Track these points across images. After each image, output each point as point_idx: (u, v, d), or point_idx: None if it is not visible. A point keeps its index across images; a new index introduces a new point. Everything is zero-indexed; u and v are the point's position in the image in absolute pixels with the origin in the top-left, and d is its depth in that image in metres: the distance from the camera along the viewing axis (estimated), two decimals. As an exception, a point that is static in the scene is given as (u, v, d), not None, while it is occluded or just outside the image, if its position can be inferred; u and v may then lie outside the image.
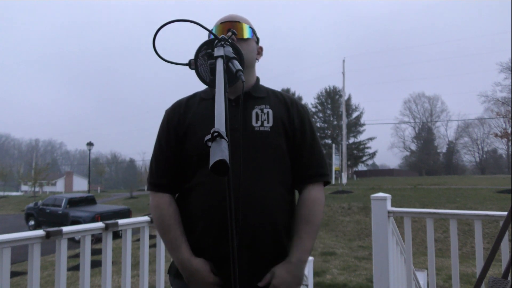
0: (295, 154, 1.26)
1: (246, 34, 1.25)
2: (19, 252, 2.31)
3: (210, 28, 1.28)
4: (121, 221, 2.25)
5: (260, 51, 1.35)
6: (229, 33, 1.18)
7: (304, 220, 1.21)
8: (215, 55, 0.94)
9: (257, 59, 1.34)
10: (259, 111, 1.24)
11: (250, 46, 1.27)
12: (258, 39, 1.35)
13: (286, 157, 1.24)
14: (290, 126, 1.26)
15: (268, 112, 1.24)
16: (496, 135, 20.44)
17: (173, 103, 1.34)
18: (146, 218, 2.45)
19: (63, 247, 1.88)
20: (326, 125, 46.16)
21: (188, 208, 1.20)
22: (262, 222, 1.14)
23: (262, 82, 1.37)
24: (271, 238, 1.16)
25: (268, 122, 1.22)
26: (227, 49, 0.96)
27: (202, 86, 1.33)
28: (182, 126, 1.24)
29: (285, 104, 1.30)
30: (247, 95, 1.25)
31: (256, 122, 1.22)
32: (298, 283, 1.17)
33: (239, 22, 1.25)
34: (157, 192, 1.24)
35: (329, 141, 43.72)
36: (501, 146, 49.49)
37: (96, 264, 2.52)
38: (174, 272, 1.24)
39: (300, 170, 1.26)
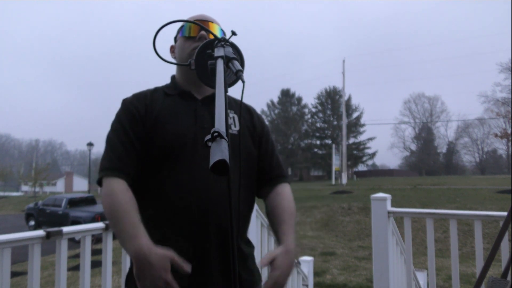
0: (260, 157, 1.29)
1: (218, 35, 1.23)
2: (19, 252, 2.31)
3: (180, 25, 1.26)
4: (121, 221, 2.24)
5: None
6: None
7: (288, 212, 1.20)
8: (215, 55, 0.94)
9: None
10: None
11: None
12: None
13: (254, 160, 1.25)
14: (254, 132, 1.28)
15: (234, 117, 1.24)
16: (496, 135, 20.44)
17: (132, 94, 1.24)
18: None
19: (63, 247, 1.88)
20: (326, 125, 46.18)
21: (152, 206, 1.10)
22: (236, 224, 1.13)
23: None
24: (241, 241, 1.18)
25: (235, 126, 1.22)
26: (227, 50, 0.96)
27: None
28: (150, 117, 1.16)
29: (248, 110, 1.34)
30: (212, 97, 1.17)
31: None
32: (292, 272, 1.14)
33: (212, 22, 1.24)
34: (112, 177, 1.07)
35: (329, 141, 43.76)
36: (501, 147, 49.52)
37: (96, 264, 2.51)
38: (134, 285, 1.03)
39: (268, 172, 1.29)
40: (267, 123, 1.39)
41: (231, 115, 1.24)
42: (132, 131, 1.14)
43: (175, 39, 1.29)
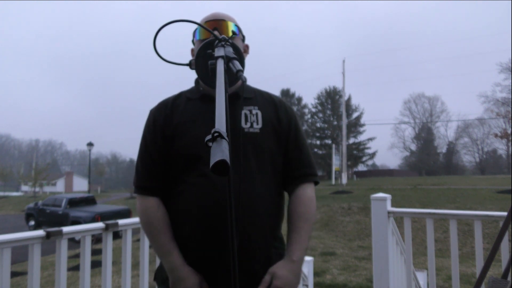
0: (285, 154, 1.26)
1: (231, 32, 1.24)
2: (20, 252, 2.31)
3: (195, 28, 1.27)
4: (121, 221, 2.25)
5: (246, 49, 1.33)
6: (218, 32, 1.17)
7: (303, 218, 1.21)
8: (215, 55, 0.94)
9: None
10: (247, 112, 1.22)
11: (236, 44, 1.27)
12: (244, 37, 1.33)
13: (277, 158, 1.23)
14: (279, 127, 1.25)
15: (257, 113, 1.23)
16: (496, 135, 20.42)
17: (158, 103, 1.29)
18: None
19: (63, 247, 1.88)
20: (326, 125, 46.15)
21: (177, 211, 1.17)
22: (253, 225, 1.13)
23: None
24: (261, 241, 1.15)
25: (257, 124, 1.21)
26: (227, 50, 0.96)
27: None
28: (169, 126, 1.21)
29: (274, 105, 1.29)
30: (234, 96, 1.21)
31: (246, 123, 1.20)
32: (298, 282, 1.16)
33: (224, 20, 1.23)
34: (144, 196, 1.20)
35: (329, 141, 43.75)
36: (501, 147, 49.52)
37: (96, 264, 2.51)
38: (161, 279, 1.21)
39: (292, 169, 1.27)
40: (293, 111, 1.34)
41: (254, 111, 1.23)
42: (152, 144, 1.22)
43: (193, 42, 1.30)
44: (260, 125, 1.21)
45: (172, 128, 1.20)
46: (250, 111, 1.22)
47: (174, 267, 1.11)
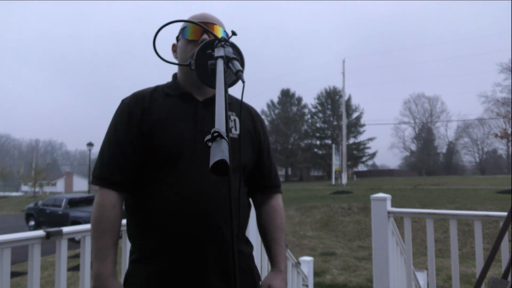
0: (258, 164, 1.29)
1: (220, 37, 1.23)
2: (19, 253, 2.31)
3: (183, 25, 1.22)
4: (121, 221, 2.25)
5: None
6: (207, 36, 1.15)
7: (279, 228, 1.28)
8: (215, 55, 0.93)
9: None
10: None
11: None
12: None
13: (249, 166, 1.24)
14: (255, 137, 1.27)
15: (235, 120, 1.21)
16: (496, 135, 20.40)
17: (132, 93, 1.22)
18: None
19: (63, 247, 1.88)
20: (326, 126, 46.17)
21: (153, 212, 1.09)
22: (228, 225, 1.12)
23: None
24: (238, 242, 1.18)
25: (235, 130, 1.19)
26: (227, 50, 0.96)
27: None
28: (147, 121, 1.13)
29: (251, 114, 1.30)
30: (213, 99, 1.19)
31: None
32: None
33: (214, 24, 1.20)
34: (105, 189, 1.11)
35: (329, 142, 43.75)
36: (501, 147, 49.51)
37: (96, 264, 2.51)
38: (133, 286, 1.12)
39: (264, 179, 1.32)
40: (266, 123, 1.38)
41: (232, 117, 1.21)
42: (126, 136, 1.13)
43: (177, 38, 1.25)
44: (238, 132, 1.20)
45: (150, 124, 1.13)
46: (229, 117, 1.20)
47: (101, 275, 1.04)
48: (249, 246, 1.26)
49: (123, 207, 1.17)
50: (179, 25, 1.25)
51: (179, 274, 1.06)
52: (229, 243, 1.10)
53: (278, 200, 1.33)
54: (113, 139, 1.15)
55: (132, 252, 1.16)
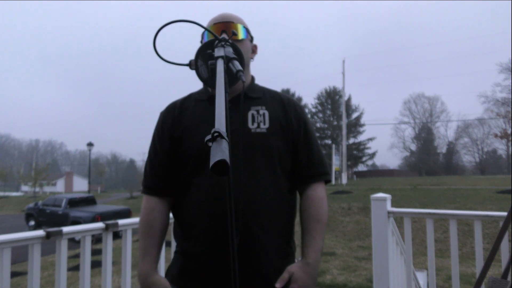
0: (294, 154, 1.25)
1: (241, 34, 1.24)
2: (20, 252, 2.31)
3: (202, 30, 1.26)
4: (121, 221, 2.25)
5: (254, 49, 1.34)
6: (226, 34, 1.17)
7: (315, 219, 1.21)
8: (215, 55, 0.93)
9: (252, 58, 1.32)
10: (255, 113, 1.21)
11: (245, 46, 1.25)
12: (252, 37, 1.32)
13: (285, 158, 1.23)
14: (288, 127, 1.24)
15: (264, 114, 1.22)
16: (496, 135, 20.39)
17: (167, 105, 1.32)
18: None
19: (63, 247, 1.88)
20: (326, 126, 46.18)
21: (185, 211, 1.19)
22: (261, 225, 1.13)
23: (261, 82, 1.36)
24: (269, 240, 1.15)
25: (264, 124, 1.20)
26: (227, 50, 0.96)
27: (202, 86, 1.33)
28: (178, 128, 1.23)
29: (282, 104, 1.28)
30: (238, 98, 1.21)
31: (252, 124, 1.19)
32: (315, 284, 1.16)
33: (233, 22, 1.22)
34: (147, 195, 1.25)
35: (329, 142, 43.75)
36: (501, 147, 49.50)
37: (96, 265, 2.51)
38: (171, 277, 1.21)
39: (302, 169, 1.26)
40: (302, 109, 1.34)
41: (261, 111, 1.22)
42: (161, 146, 1.25)
43: (201, 42, 1.28)
44: (267, 125, 1.20)
45: (181, 130, 1.22)
46: (258, 111, 1.22)
47: (141, 272, 1.17)
48: (289, 246, 1.23)
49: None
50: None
51: (209, 271, 1.12)
52: (258, 242, 1.12)
53: (316, 189, 1.25)
54: (151, 149, 1.29)
55: (175, 247, 1.27)
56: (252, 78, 1.33)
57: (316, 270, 1.16)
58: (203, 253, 1.13)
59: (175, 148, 1.22)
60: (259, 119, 1.21)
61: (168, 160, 1.23)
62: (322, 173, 1.29)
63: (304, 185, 1.27)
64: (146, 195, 1.26)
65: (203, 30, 1.26)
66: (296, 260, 1.22)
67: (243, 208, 1.10)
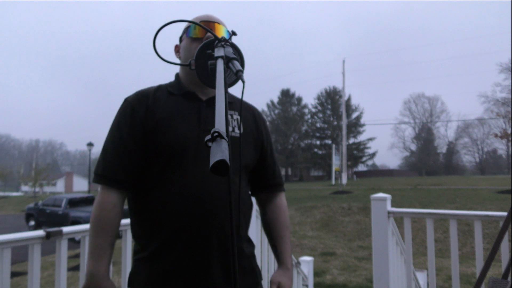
0: (261, 163, 1.30)
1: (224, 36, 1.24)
2: (19, 253, 2.31)
3: (186, 25, 1.24)
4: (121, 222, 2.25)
5: None
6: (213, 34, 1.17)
7: (285, 226, 1.32)
8: (215, 55, 0.93)
9: None
10: (229, 117, 1.20)
11: None
12: None
13: (251, 165, 1.25)
14: (258, 136, 1.28)
15: (237, 119, 1.22)
16: (496, 135, 20.38)
17: (134, 92, 1.22)
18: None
19: (63, 247, 1.88)
20: (326, 126, 46.21)
21: (154, 209, 1.10)
22: (240, 224, 1.16)
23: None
24: (244, 240, 1.20)
25: (238, 129, 1.20)
26: (227, 50, 0.96)
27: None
28: (151, 120, 1.13)
29: (253, 115, 1.31)
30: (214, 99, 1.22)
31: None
32: (292, 285, 1.27)
33: (218, 23, 1.22)
34: (108, 187, 1.10)
35: (329, 142, 43.79)
36: (501, 147, 49.52)
37: (96, 264, 2.51)
38: (137, 286, 1.12)
39: (268, 178, 1.33)
40: (267, 123, 1.39)
41: (235, 116, 1.22)
42: (130, 135, 1.13)
43: (181, 38, 1.26)
44: (241, 131, 1.21)
45: (154, 122, 1.13)
46: (232, 116, 1.21)
47: (95, 274, 1.06)
48: (251, 245, 1.26)
49: (126, 206, 1.18)
50: (180, 26, 1.26)
51: (183, 273, 1.07)
52: (238, 241, 1.14)
53: (282, 198, 1.35)
54: (116, 137, 1.14)
55: (136, 252, 1.16)
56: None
57: (292, 275, 1.28)
58: (176, 254, 1.06)
59: (146, 140, 1.12)
60: (233, 124, 1.20)
61: (137, 152, 1.12)
62: (283, 184, 1.39)
63: (269, 192, 1.34)
64: (105, 186, 1.10)
65: (187, 25, 1.24)
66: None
67: (217, 208, 1.09)
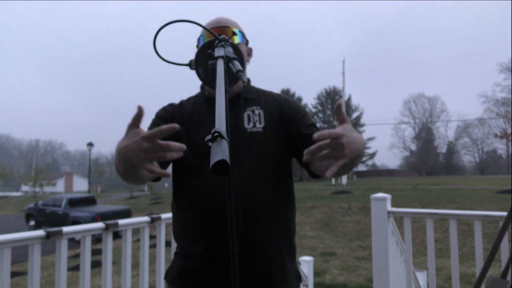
0: (298, 135, 1.21)
1: (236, 39, 1.24)
2: (20, 252, 2.31)
3: (199, 34, 1.27)
4: (121, 221, 2.25)
5: (250, 52, 1.35)
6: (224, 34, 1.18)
7: None
8: (215, 55, 0.94)
9: (248, 61, 1.33)
10: (250, 113, 1.23)
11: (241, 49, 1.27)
12: (247, 41, 1.34)
13: (280, 157, 1.23)
14: (283, 121, 1.24)
15: (259, 113, 1.24)
16: (496, 135, 20.36)
17: (163, 106, 1.32)
18: (146, 218, 2.45)
19: (63, 247, 1.88)
20: (326, 125, 46.15)
21: (184, 212, 1.19)
22: (262, 224, 1.14)
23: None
24: (270, 240, 1.15)
25: (260, 123, 1.21)
26: (227, 50, 0.96)
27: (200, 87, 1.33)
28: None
29: (275, 101, 1.30)
30: (238, 97, 1.23)
31: (248, 124, 1.21)
32: (361, 143, 0.89)
33: (228, 26, 1.23)
34: None
35: (329, 142, 43.71)
36: (501, 147, 49.55)
37: (96, 265, 2.52)
38: (170, 278, 1.21)
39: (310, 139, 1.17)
40: (293, 100, 1.33)
41: (256, 111, 1.24)
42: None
43: (197, 47, 1.28)
44: (262, 124, 1.21)
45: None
46: (253, 111, 1.23)
47: (118, 143, 0.97)
48: (290, 246, 1.23)
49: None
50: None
51: (207, 271, 1.12)
52: (258, 242, 1.12)
53: None
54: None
55: (176, 248, 1.27)
56: (248, 80, 1.34)
57: (359, 138, 0.88)
58: (202, 253, 1.13)
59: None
60: (255, 119, 1.22)
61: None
62: None
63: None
64: None
65: (200, 32, 1.26)
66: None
67: (243, 208, 1.10)
